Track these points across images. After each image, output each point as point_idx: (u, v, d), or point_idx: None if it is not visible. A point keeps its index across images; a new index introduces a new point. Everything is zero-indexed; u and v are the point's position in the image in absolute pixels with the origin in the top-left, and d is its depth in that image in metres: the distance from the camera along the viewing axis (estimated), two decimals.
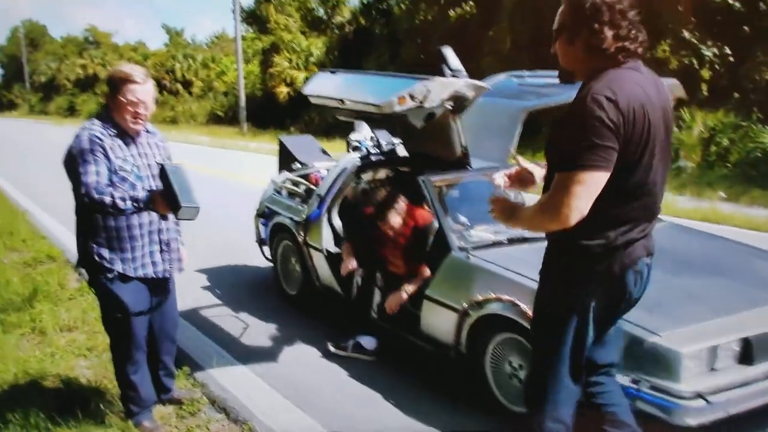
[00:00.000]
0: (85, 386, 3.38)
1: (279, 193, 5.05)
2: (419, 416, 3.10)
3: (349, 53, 21.95)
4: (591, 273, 1.99)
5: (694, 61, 11.99)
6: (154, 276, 2.85)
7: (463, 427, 3.01)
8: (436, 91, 3.33)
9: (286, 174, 5.18)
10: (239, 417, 3.10)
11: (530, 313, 2.44)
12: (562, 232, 1.91)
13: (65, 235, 6.73)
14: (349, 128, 5.57)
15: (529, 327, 2.49)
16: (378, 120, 4.13)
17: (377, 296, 3.84)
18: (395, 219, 3.77)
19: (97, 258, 2.72)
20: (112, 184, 2.62)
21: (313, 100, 3.94)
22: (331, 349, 3.81)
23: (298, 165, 5.32)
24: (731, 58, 11.84)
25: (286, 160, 5.51)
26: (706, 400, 2.41)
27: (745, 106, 11.06)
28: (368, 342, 3.78)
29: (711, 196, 8.59)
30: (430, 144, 4.10)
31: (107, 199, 2.55)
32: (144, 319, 2.89)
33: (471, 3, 16.74)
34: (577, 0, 1.93)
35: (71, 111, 44.55)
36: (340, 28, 24.70)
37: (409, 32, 18.62)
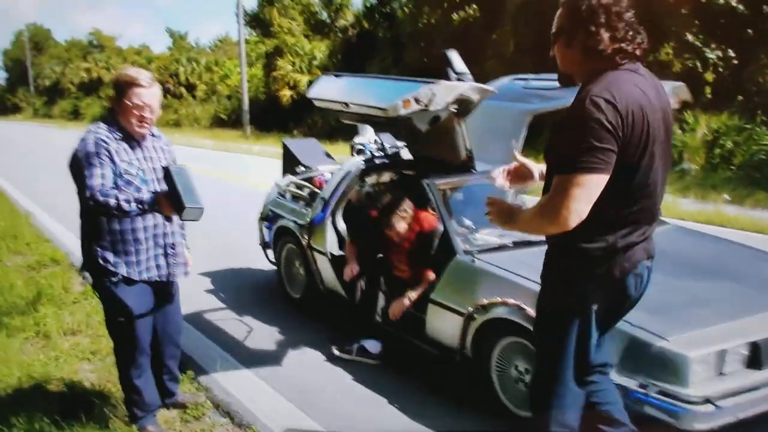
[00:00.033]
0: (89, 390, 3.37)
1: (283, 196, 5.04)
2: (424, 420, 3.08)
3: (352, 57, 21.99)
4: (591, 276, 1.98)
5: (698, 64, 11.98)
6: (158, 279, 2.84)
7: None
8: (441, 94, 3.32)
9: (290, 177, 5.17)
10: (243, 421, 3.09)
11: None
12: (562, 235, 1.90)
13: (69, 239, 6.74)
14: (353, 131, 5.57)
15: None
16: (382, 123, 4.11)
17: (381, 300, 3.83)
18: (401, 225, 3.73)
19: (101, 261, 2.71)
20: (117, 187, 2.61)
21: (317, 104, 3.95)
22: (336, 352, 3.81)
23: (302, 168, 5.32)
24: (735, 61, 11.83)
25: (289, 163, 5.51)
26: (715, 405, 2.39)
27: (749, 109, 11.04)
28: (373, 345, 3.77)
29: (715, 199, 8.56)
30: (434, 147, 4.09)
31: (112, 202, 2.55)
32: (148, 323, 2.88)
33: (474, 6, 16.75)
34: (573, 3, 1.93)
35: (75, 114, 44.71)
36: (343, 32, 24.76)
37: (412, 36, 18.65)
